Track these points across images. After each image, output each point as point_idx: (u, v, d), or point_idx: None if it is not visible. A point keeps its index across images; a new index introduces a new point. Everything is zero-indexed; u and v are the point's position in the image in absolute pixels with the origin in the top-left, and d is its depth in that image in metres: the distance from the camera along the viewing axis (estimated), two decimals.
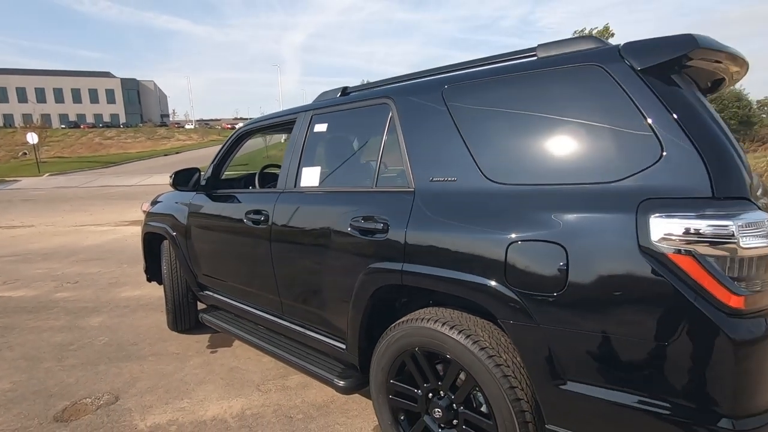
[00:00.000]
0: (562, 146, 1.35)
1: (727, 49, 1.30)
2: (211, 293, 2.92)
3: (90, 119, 68.48)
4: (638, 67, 1.23)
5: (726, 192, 1.07)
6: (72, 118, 67.06)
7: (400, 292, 1.81)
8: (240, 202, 2.52)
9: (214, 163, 2.86)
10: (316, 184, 2.11)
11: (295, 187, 2.19)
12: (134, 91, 74.33)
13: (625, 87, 1.23)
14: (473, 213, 1.47)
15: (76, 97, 69.65)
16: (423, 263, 1.55)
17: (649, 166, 1.16)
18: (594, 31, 44.72)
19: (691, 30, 1.25)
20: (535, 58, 1.51)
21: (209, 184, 2.85)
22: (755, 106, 36.83)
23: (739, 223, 1.03)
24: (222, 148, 2.84)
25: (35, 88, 66.69)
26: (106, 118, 69.70)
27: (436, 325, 1.54)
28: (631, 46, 1.28)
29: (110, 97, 71.55)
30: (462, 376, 1.54)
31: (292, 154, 2.24)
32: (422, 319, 1.59)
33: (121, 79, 72.79)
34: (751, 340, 1.04)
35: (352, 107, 2.06)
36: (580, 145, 1.31)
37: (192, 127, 70.26)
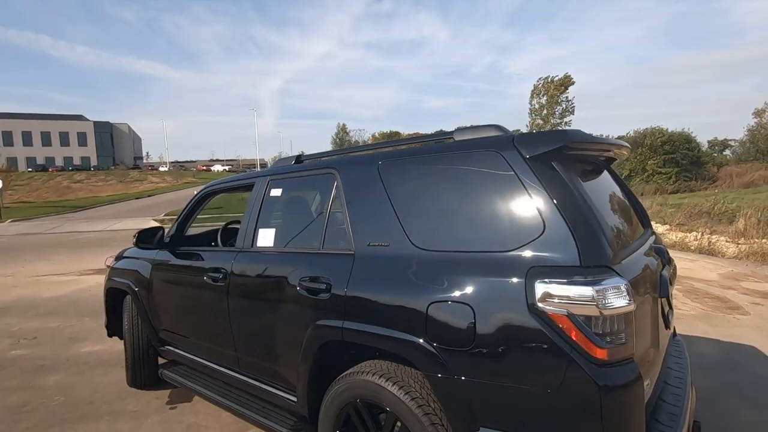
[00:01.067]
0: (470, 218, 1.59)
1: (598, 141, 1.59)
2: (171, 348, 2.97)
3: (59, 162, 67.15)
4: (526, 156, 1.50)
5: (591, 262, 1.31)
6: (40, 161, 65.62)
7: (349, 346, 1.96)
8: (201, 259, 2.65)
9: (179, 220, 3.01)
10: (271, 244, 2.29)
11: (252, 246, 2.36)
12: (107, 134, 73.78)
13: (516, 171, 1.49)
14: (401, 275, 1.67)
15: (46, 140, 68.53)
16: (360, 321, 1.72)
17: (535, 239, 1.40)
18: (555, 79, 48.01)
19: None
20: (452, 141, 1.78)
21: (173, 241, 2.98)
22: (706, 146, 39.67)
23: (598, 288, 1.26)
24: (186, 206, 3.00)
25: (2, 132, 65.39)
26: (77, 161, 68.51)
27: (373, 377, 1.69)
28: (521, 137, 1.55)
29: (82, 140, 70.71)
30: (398, 424, 1.68)
31: (250, 215, 2.42)
32: (362, 372, 1.74)
33: (94, 122, 72.33)
34: (617, 386, 1.25)
35: (303, 175, 2.29)
36: (484, 218, 1.56)
37: (166, 169, 69.75)
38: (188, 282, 2.70)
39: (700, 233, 9.75)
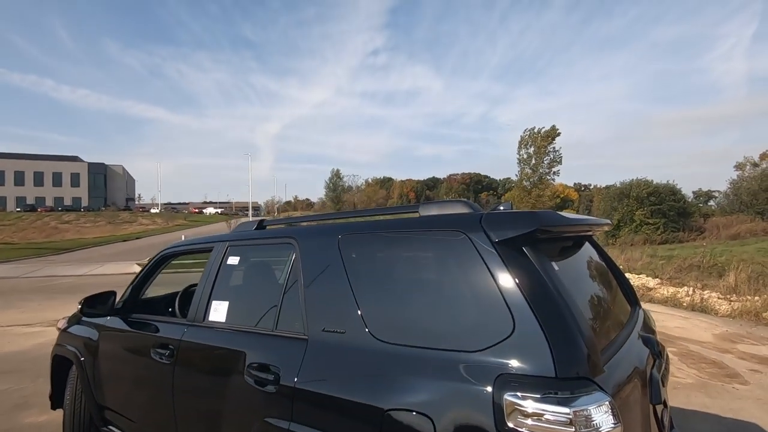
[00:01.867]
0: (434, 308, 1.41)
1: (573, 223, 1.45)
2: (115, 430, 2.64)
3: (50, 202, 66.72)
4: (495, 239, 1.34)
5: (568, 372, 1.12)
6: (30, 201, 65.12)
7: None
8: (150, 331, 2.41)
9: (133, 284, 2.78)
10: (223, 320, 2.07)
11: (203, 320, 2.13)
12: (101, 175, 73.96)
13: (484, 257, 1.33)
14: (356, 372, 1.45)
15: (38, 180, 68.45)
16: (308, 423, 1.49)
17: (504, 340, 1.21)
18: (542, 131, 49.66)
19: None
20: (417, 215, 1.63)
21: (126, 308, 2.73)
22: (691, 197, 40.51)
23: (577, 409, 1.06)
24: (143, 269, 2.79)
25: None
26: (68, 202, 68.15)
27: None
28: (490, 218, 1.40)
29: (75, 180, 70.72)
30: None
31: (204, 285, 2.21)
32: None
33: (89, 163, 72.72)
34: None
35: (263, 243, 2.11)
36: (449, 308, 1.37)
37: (157, 211, 69.38)
38: (134, 357, 2.43)
39: (691, 289, 9.58)
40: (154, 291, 3.47)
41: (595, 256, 1.95)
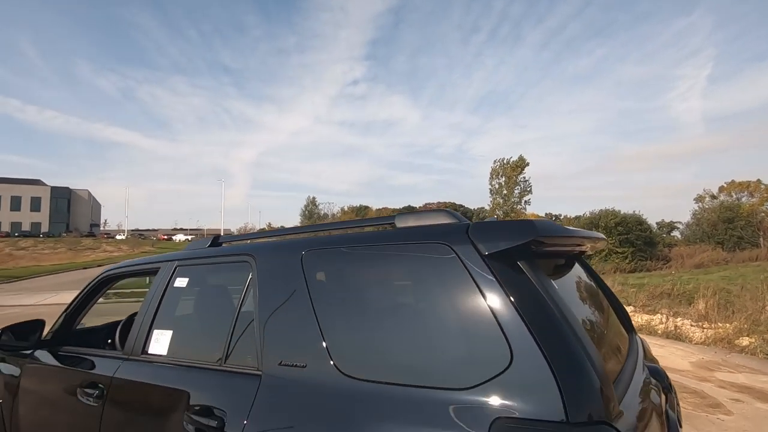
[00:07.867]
0: (414, 336, 1.17)
1: (571, 234, 1.26)
2: None
3: (5, 228, 63.13)
4: (485, 252, 1.13)
5: (581, 416, 0.90)
6: None
7: None
8: (79, 367, 2.05)
9: (67, 311, 2.41)
10: (165, 352, 1.75)
11: (141, 353, 1.81)
12: (64, 199, 70.86)
13: (473, 273, 1.12)
14: (317, 415, 1.19)
15: None
16: None
17: (500, 374, 0.98)
18: (511, 161, 51.07)
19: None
20: (393, 228, 1.41)
21: (55, 339, 2.35)
22: (655, 228, 42.04)
23: None
24: (80, 293, 2.43)
25: None
26: (26, 227, 64.67)
27: None
28: (478, 227, 1.20)
29: (35, 205, 67.47)
30: None
31: (146, 311, 1.90)
32: None
33: (52, 187, 69.74)
34: None
35: (217, 262, 1.84)
36: (432, 337, 1.14)
37: (123, 237, 66.64)
38: (60, 397, 2.05)
39: (665, 316, 9.63)
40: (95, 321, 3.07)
41: (587, 277, 1.77)
